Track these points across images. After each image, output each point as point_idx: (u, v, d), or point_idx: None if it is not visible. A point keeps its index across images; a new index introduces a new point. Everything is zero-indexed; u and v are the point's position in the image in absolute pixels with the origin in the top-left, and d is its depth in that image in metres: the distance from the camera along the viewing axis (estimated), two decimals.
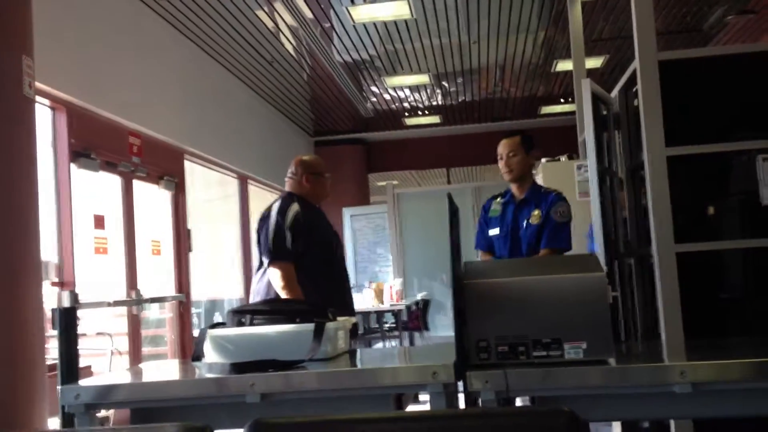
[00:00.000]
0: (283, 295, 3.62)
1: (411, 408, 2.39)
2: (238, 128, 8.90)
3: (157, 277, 6.75)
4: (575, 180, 6.06)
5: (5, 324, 3.58)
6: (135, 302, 6.00)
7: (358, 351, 2.94)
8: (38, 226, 3.87)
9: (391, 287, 8.95)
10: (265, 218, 3.84)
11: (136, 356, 5.96)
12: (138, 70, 6.22)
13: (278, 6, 6.77)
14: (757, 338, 3.03)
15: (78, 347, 3.97)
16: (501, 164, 3.90)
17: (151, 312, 6.99)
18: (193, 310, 7.43)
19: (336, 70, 8.89)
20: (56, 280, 5.04)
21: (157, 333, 7.09)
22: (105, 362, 5.36)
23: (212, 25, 7.06)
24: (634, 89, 3.65)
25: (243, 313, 2.53)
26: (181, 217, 7.13)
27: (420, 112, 11.39)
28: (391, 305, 8.73)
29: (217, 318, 8.32)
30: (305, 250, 3.73)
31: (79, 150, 5.37)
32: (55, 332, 3.81)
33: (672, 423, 3.18)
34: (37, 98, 4.34)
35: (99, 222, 5.65)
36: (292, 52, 8.13)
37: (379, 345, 8.89)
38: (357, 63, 8.68)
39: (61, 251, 5.14)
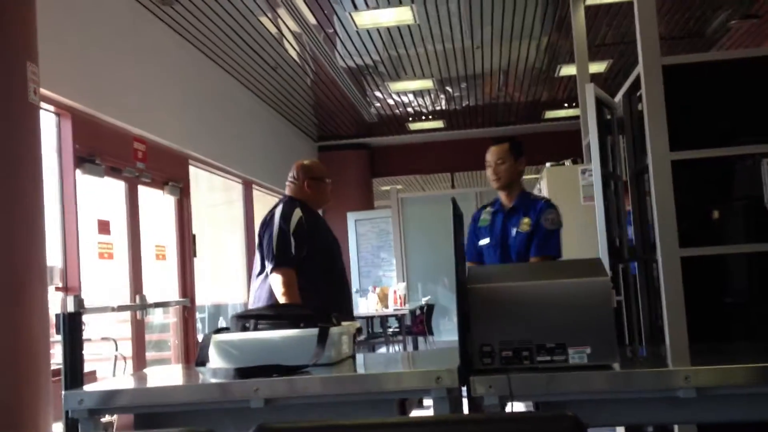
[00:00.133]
0: (282, 300, 3.60)
1: (415, 413, 2.38)
2: (242, 133, 8.92)
3: (161, 282, 6.76)
4: (579, 184, 6.07)
5: (10, 329, 3.59)
6: (139, 307, 6.01)
7: (362, 356, 2.94)
8: (43, 231, 3.89)
9: (395, 292, 8.95)
10: (267, 223, 3.81)
11: (140, 361, 5.97)
12: (142, 76, 6.24)
13: (282, 12, 6.78)
14: (761, 343, 3.03)
15: (82, 352, 3.96)
16: (489, 172, 3.84)
17: (155, 317, 7.00)
18: (198, 315, 7.43)
19: (339, 76, 8.90)
20: (61, 285, 5.05)
21: (162, 338, 7.10)
22: (109, 367, 5.36)
23: (216, 31, 7.08)
24: (638, 94, 3.65)
25: (247, 318, 2.52)
26: (186, 222, 7.15)
27: (424, 117, 11.39)
28: (395, 310, 8.74)
29: (221, 323, 8.32)
30: (307, 256, 3.72)
31: (84, 156, 5.39)
32: (60, 337, 3.82)
33: (676, 428, 3.17)
34: (42, 104, 4.36)
35: (104, 227, 5.66)
36: (295, 57, 8.15)
37: (383, 349, 8.88)
38: (360, 68, 8.69)
39: (66, 256, 5.16)
